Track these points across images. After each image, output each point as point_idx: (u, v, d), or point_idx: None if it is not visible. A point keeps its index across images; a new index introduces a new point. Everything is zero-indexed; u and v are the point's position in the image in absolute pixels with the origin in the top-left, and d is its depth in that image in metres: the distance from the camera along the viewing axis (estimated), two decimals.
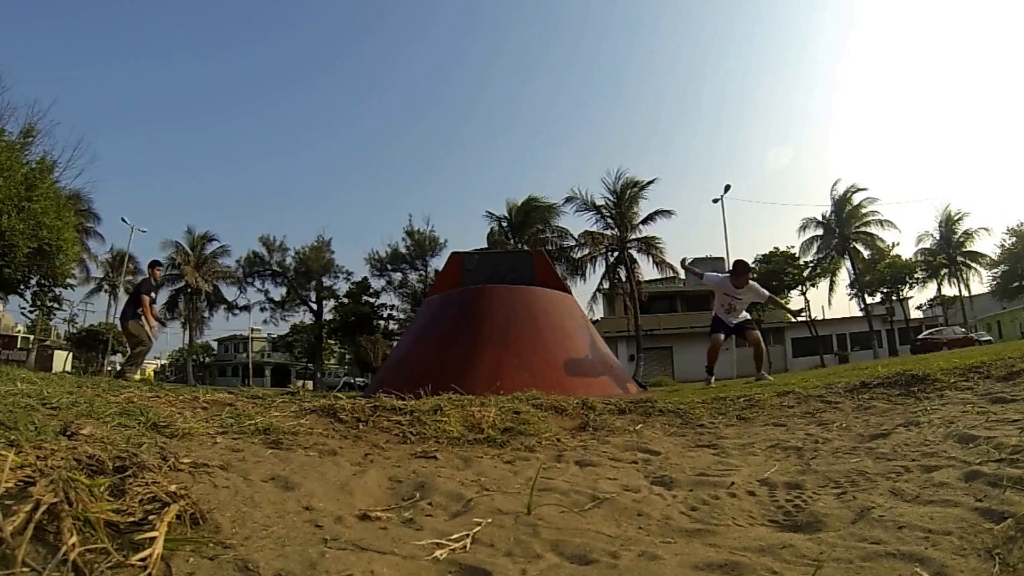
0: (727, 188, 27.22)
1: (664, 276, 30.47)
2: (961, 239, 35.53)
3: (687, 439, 2.40)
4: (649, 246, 28.83)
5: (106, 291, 34.41)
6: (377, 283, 34.28)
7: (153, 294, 7.19)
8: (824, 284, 33.03)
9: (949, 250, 35.41)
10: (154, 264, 7.47)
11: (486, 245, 28.90)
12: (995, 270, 35.71)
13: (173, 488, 0.94)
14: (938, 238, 36.20)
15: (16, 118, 17.58)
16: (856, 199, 32.80)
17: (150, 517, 0.84)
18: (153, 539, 0.79)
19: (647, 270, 30.23)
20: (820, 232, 33.62)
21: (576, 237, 30.16)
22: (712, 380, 6.19)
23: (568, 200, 29.24)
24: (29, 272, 15.63)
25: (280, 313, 36.42)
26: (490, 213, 31.27)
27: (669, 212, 29.01)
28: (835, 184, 33.60)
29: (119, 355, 42.40)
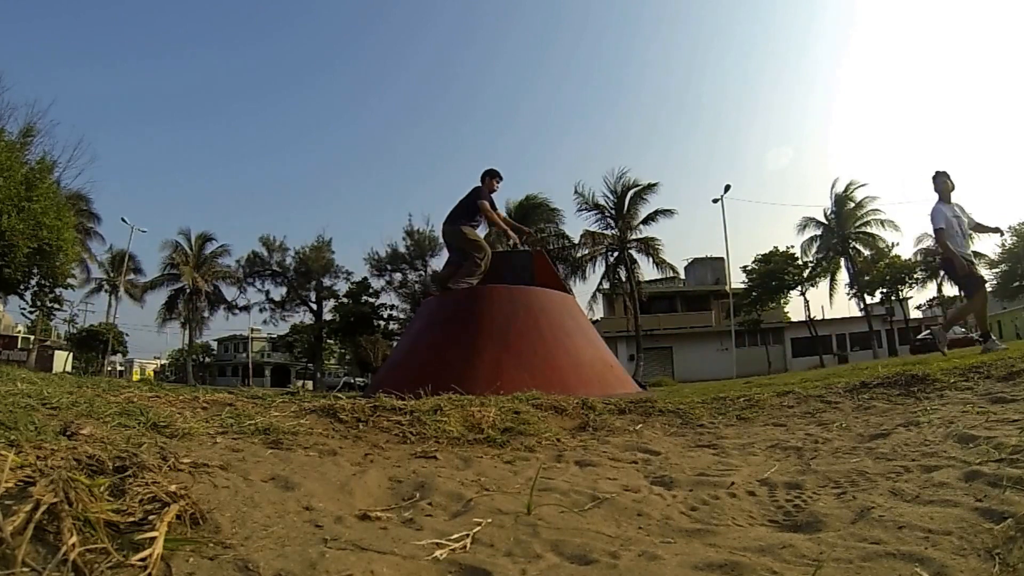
0: (727, 188, 27.26)
1: (664, 276, 30.49)
2: None
3: (687, 439, 2.40)
4: (649, 246, 28.85)
5: (106, 291, 34.40)
6: (377, 283, 34.29)
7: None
8: (824, 284, 33.06)
9: None
10: (493, 174, 6.44)
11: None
12: (995, 270, 35.72)
13: (173, 488, 0.94)
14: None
15: (16, 118, 17.61)
16: (856, 196, 32.81)
17: (150, 517, 0.84)
18: (153, 539, 0.79)
19: (647, 270, 30.27)
20: (820, 232, 33.64)
21: (570, 239, 30.16)
22: (995, 341, 5.39)
23: (575, 195, 29.21)
24: (29, 272, 15.63)
25: (280, 313, 36.45)
26: None
27: (670, 211, 29.04)
28: (835, 182, 33.60)
29: (119, 355, 42.46)
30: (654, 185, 28.70)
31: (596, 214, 29.32)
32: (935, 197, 5.72)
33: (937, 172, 5.69)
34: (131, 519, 0.84)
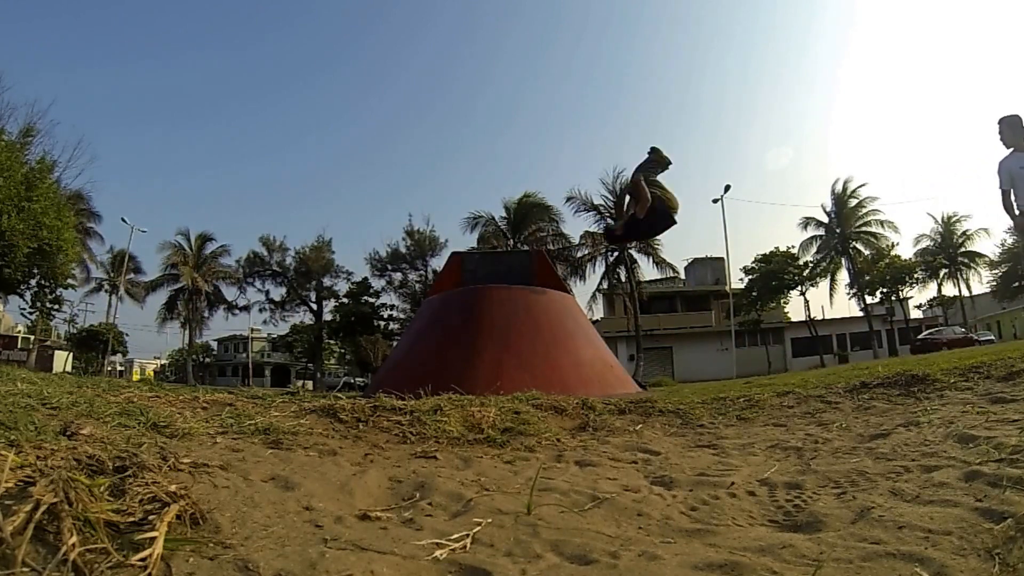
0: (727, 188, 27.23)
1: (664, 276, 30.51)
2: (960, 240, 35.62)
3: (687, 439, 2.40)
4: (649, 246, 28.85)
5: (106, 291, 34.40)
6: (377, 283, 34.30)
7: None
8: (824, 284, 33.08)
9: (948, 250, 35.47)
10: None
11: (476, 246, 28.68)
12: (995, 271, 35.73)
13: (173, 488, 0.94)
14: (939, 240, 36.25)
15: (16, 118, 17.58)
16: (857, 196, 32.84)
17: (150, 517, 0.84)
18: (153, 539, 0.79)
19: (647, 270, 30.28)
20: (820, 232, 33.67)
21: (570, 240, 30.18)
22: None
23: (568, 200, 29.27)
24: (29, 272, 15.63)
25: (280, 313, 36.44)
26: (475, 215, 30.85)
27: None
28: (835, 183, 33.62)
29: (119, 355, 42.46)
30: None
31: (595, 214, 29.33)
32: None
33: (1000, 119, 4.67)
34: (131, 519, 0.84)
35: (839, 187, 33.30)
